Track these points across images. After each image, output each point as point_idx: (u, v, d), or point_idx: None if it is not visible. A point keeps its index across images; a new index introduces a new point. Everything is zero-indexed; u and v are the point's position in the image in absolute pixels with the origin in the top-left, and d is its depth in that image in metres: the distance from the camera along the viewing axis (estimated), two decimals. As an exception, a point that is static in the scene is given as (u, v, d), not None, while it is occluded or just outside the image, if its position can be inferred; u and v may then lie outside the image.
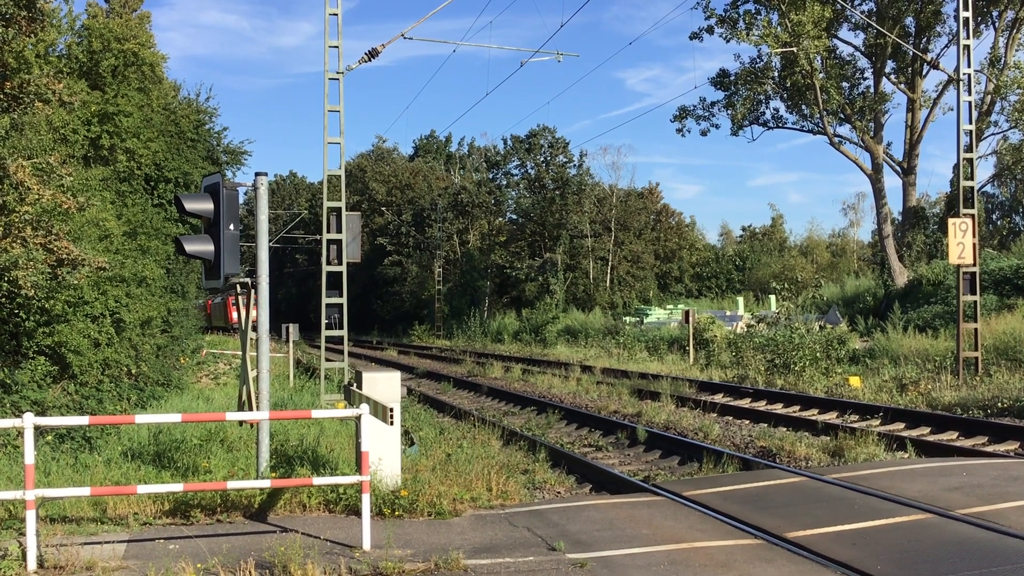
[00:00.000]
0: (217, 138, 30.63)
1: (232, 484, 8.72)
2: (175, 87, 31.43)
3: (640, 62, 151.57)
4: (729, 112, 42.43)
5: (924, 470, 11.29)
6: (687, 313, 33.44)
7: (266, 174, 10.12)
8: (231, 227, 9.86)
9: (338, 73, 19.36)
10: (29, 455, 7.54)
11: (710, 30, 40.80)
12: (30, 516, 7.44)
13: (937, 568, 7.31)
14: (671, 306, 50.59)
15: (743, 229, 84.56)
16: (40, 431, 12.59)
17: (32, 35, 13.41)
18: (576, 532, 8.71)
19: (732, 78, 42.09)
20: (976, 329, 21.43)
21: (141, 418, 8.56)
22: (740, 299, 50.64)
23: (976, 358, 21.23)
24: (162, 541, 8.31)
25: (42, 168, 12.92)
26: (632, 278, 64.22)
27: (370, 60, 20.30)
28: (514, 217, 69.32)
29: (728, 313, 43.24)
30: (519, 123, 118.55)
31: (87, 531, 8.65)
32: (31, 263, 12.30)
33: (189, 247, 9.98)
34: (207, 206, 9.94)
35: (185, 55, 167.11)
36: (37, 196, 12.46)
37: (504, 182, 69.30)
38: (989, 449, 13.87)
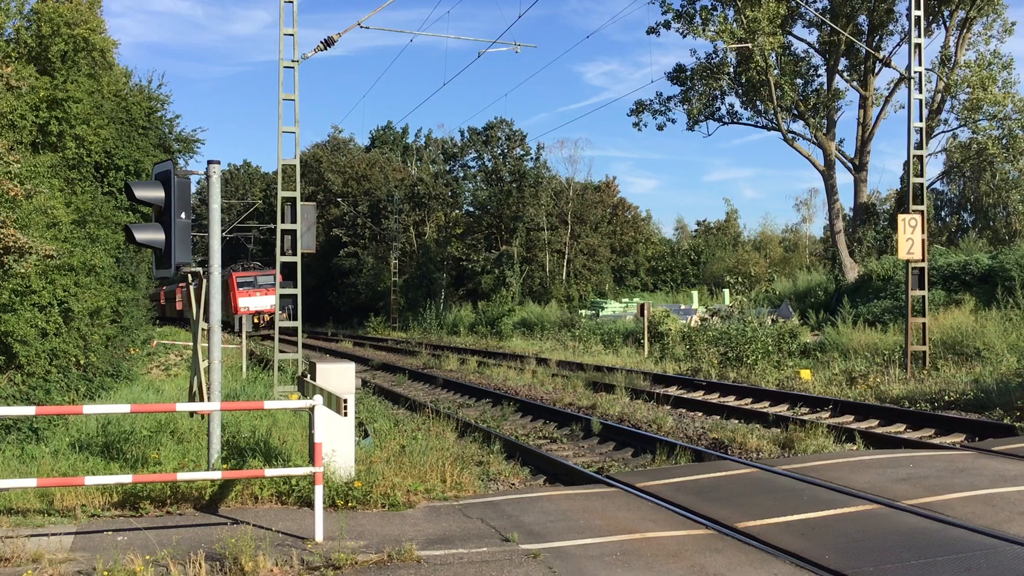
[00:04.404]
0: (169, 126, 30.09)
1: (182, 476, 8.63)
2: (126, 73, 30.84)
3: (598, 56, 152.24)
4: (685, 107, 42.73)
5: (872, 462, 11.47)
6: (642, 306, 33.63)
7: (219, 162, 10.00)
8: (182, 215, 9.74)
9: (293, 61, 19.16)
10: (-27, 446, 7.39)
11: (667, 25, 41.12)
12: (-26, 508, 7.30)
13: (884, 557, 7.43)
14: (627, 299, 50.85)
15: (698, 224, 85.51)
16: (-15, 422, 12.35)
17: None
18: (530, 523, 8.74)
19: (688, 73, 42.41)
20: (924, 324, 21.79)
21: (89, 408, 8.41)
22: (695, 293, 50.99)
23: (924, 352, 21.59)
24: (110, 533, 8.19)
25: (-12, 154, 12.66)
26: (588, 271, 64.45)
27: (326, 49, 20.12)
28: (471, 209, 69.16)
29: (683, 307, 43.53)
30: (476, 115, 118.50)
31: (34, 523, 8.50)
32: (-24, 251, 12.05)
33: (139, 235, 9.83)
34: (158, 194, 9.80)
35: (137, 41, 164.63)
36: (-17, 182, 12.22)
37: (461, 174, 69.13)
38: (936, 441, 14.13)
